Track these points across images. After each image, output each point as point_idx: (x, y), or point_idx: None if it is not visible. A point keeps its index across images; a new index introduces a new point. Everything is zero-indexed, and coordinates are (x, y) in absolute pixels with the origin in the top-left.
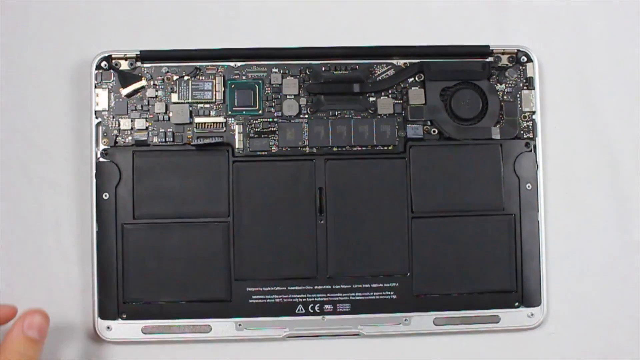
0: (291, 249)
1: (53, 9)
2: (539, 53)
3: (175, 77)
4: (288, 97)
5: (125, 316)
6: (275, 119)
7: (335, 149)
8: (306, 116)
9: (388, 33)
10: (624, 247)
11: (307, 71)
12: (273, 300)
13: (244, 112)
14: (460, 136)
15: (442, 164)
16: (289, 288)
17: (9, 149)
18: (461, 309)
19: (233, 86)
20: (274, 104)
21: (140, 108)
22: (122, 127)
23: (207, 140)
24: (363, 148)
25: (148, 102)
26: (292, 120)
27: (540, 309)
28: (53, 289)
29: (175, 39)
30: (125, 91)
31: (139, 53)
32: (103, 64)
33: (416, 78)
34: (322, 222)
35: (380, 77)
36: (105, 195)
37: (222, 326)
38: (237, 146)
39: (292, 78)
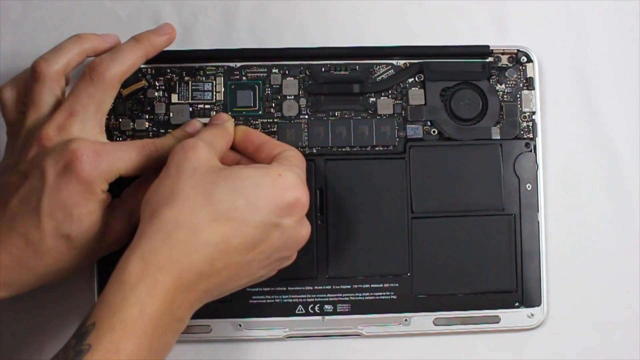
0: None
1: (52, 9)
2: (539, 53)
3: (175, 78)
4: (288, 97)
5: None
6: (275, 120)
7: (335, 149)
8: (306, 117)
9: (388, 33)
10: (624, 247)
11: (307, 71)
12: (273, 301)
13: (244, 113)
14: (460, 136)
15: (442, 164)
16: (289, 288)
17: None
18: (461, 309)
19: (233, 87)
20: (273, 104)
21: (140, 109)
22: (122, 127)
23: None
24: (363, 148)
25: (148, 102)
26: (292, 121)
27: (541, 309)
28: (53, 290)
29: (175, 39)
30: (125, 92)
31: None
32: None
33: (416, 78)
34: (321, 222)
35: (380, 78)
36: None
37: (222, 326)
38: None
39: (292, 78)
